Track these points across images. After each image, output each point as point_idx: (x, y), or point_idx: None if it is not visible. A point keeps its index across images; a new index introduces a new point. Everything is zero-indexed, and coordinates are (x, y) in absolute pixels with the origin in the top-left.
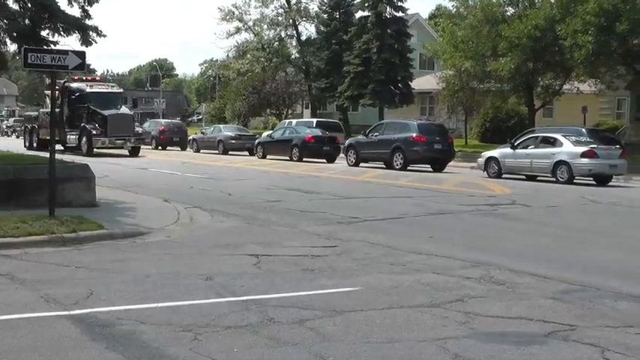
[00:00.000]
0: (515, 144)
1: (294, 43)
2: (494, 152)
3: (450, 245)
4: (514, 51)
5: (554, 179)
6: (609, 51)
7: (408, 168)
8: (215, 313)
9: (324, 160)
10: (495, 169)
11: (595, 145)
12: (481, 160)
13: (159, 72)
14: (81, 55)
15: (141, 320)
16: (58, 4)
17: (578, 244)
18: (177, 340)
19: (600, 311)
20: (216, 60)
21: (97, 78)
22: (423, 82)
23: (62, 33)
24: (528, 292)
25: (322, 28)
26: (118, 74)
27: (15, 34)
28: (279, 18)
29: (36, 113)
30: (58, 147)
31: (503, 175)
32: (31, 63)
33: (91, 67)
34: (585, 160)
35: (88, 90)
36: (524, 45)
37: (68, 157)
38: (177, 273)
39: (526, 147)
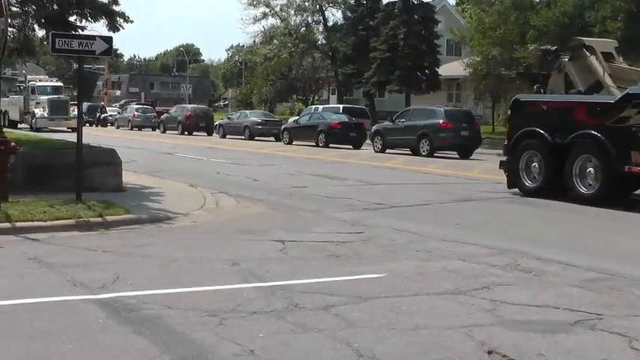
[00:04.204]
0: None
1: (320, 29)
2: None
3: (477, 232)
4: (542, 39)
5: None
6: (639, 37)
7: (435, 154)
8: (241, 299)
9: (350, 147)
10: None
11: None
12: None
13: (185, 57)
14: (108, 40)
15: (167, 305)
16: None
17: (606, 232)
18: (203, 325)
19: (628, 300)
20: (243, 45)
21: None
22: (450, 69)
23: (90, 18)
24: (555, 280)
25: (349, 14)
26: (145, 59)
27: (43, 20)
28: (306, 3)
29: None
30: None
31: None
32: (58, 48)
33: (118, 51)
34: None
35: None
36: (552, 32)
37: None
38: (203, 258)
39: None
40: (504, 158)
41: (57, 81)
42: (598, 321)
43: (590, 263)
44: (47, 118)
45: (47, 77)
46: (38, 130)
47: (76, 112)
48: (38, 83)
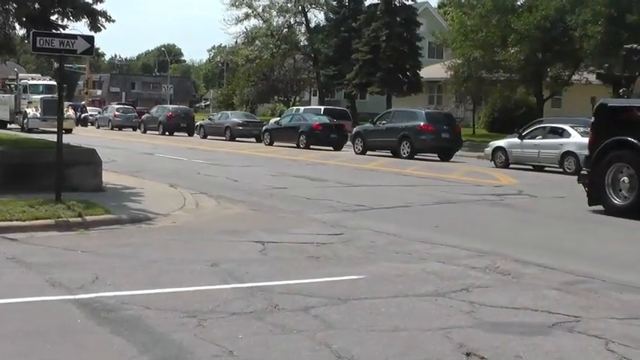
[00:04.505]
0: (523, 134)
1: (302, 30)
2: (502, 142)
3: (456, 234)
4: (523, 42)
5: (561, 170)
6: (619, 42)
7: (415, 157)
8: (220, 299)
9: (331, 148)
10: (503, 159)
11: None
12: (488, 150)
13: (167, 57)
14: (89, 39)
15: (146, 305)
16: None
17: (585, 235)
18: (182, 326)
19: (605, 303)
20: (225, 46)
21: None
22: (432, 71)
23: (71, 18)
24: (534, 282)
25: (331, 16)
26: (126, 59)
27: (24, 19)
28: (289, 5)
29: None
30: None
31: (511, 165)
32: (39, 47)
33: (99, 51)
34: None
35: None
36: (534, 36)
37: None
38: (182, 259)
39: (534, 137)
40: (585, 171)
41: (50, 80)
42: (576, 323)
43: (569, 266)
44: (40, 118)
45: (40, 75)
46: (30, 130)
47: (70, 113)
48: (30, 82)
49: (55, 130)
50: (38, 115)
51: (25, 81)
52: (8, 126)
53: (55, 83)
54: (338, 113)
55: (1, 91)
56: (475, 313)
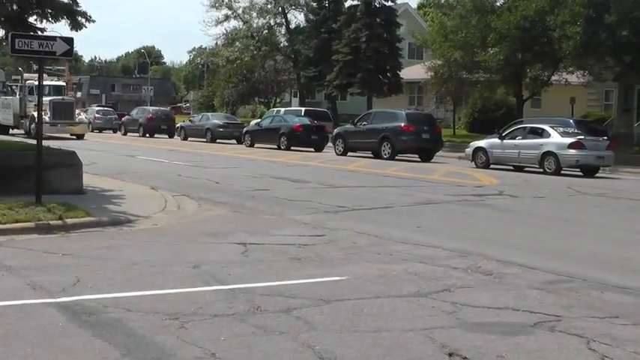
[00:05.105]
0: (503, 134)
1: (283, 32)
2: (482, 142)
3: (438, 235)
4: (503, 42)
5: (541, 170)
6: (598, 42)
7: (396, 157)
8: (202, 302)
9: (312, 149)
10: (483, 160)
11: (582, 137)
12: (469, 151)
13: (147, 59)
14: (69, 41)
15: (128, 308)
16: None
17: (565, 234)
18: (165, 328)
19: (586, 302)
20: (205, 48)
21: None
22: (412, 72)
23: (50, 19)
24: (515, 282)
25: (311, 17)
26: (105, 61)
27: (2, 20)
28: (269, 6)
29: None
30: None
31: (491, 166)
32: (18, 49)
33: (78, 53)
34: (572, 151)
35: None
36: (513, 36)
37: None
38: (164, 261)
39: (514, 138)
40: None
41: (58, 80)
42: (557, 322)
43: (550, 265)
44: (49, 123)
45: (46, 75)
46: None
47: (82, 117)
48: (37, 83)
49: (65, 135)
50: (47, 119)
51: (31, 82)
52: (11, 131)
53: (63, 84)
54: (319, 114)
55: (1, 93)
56: (457, 314)
